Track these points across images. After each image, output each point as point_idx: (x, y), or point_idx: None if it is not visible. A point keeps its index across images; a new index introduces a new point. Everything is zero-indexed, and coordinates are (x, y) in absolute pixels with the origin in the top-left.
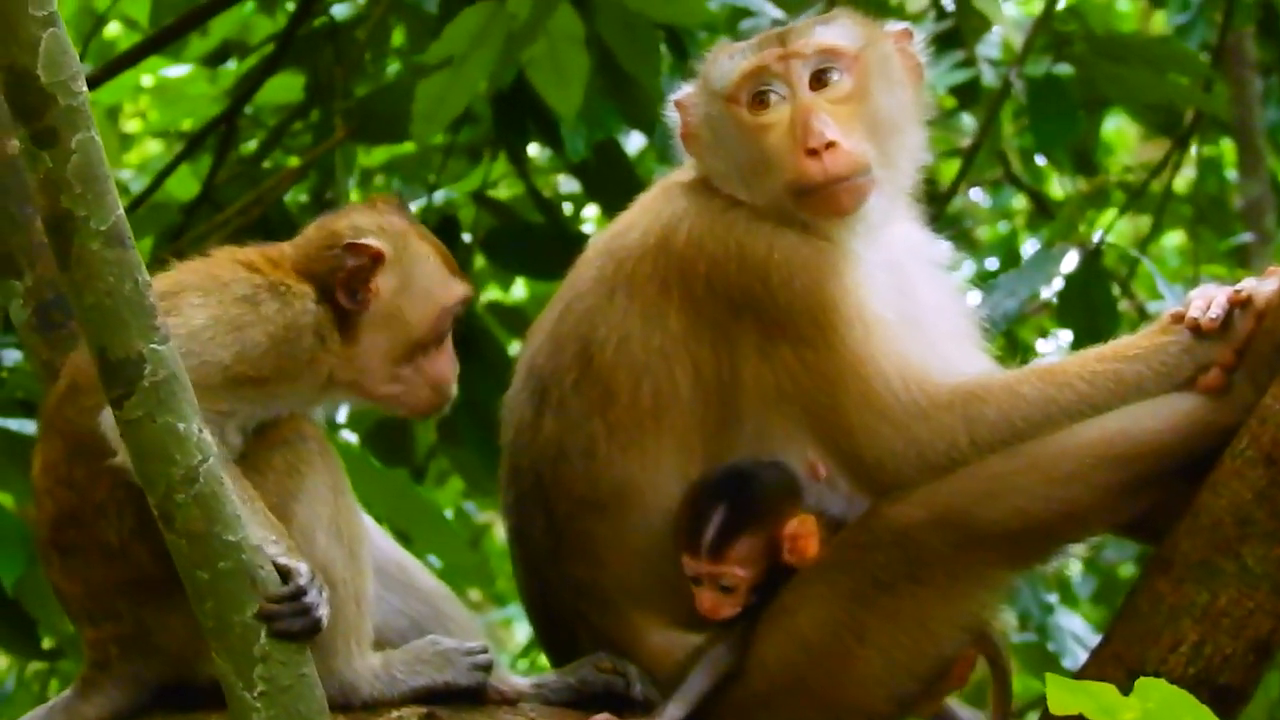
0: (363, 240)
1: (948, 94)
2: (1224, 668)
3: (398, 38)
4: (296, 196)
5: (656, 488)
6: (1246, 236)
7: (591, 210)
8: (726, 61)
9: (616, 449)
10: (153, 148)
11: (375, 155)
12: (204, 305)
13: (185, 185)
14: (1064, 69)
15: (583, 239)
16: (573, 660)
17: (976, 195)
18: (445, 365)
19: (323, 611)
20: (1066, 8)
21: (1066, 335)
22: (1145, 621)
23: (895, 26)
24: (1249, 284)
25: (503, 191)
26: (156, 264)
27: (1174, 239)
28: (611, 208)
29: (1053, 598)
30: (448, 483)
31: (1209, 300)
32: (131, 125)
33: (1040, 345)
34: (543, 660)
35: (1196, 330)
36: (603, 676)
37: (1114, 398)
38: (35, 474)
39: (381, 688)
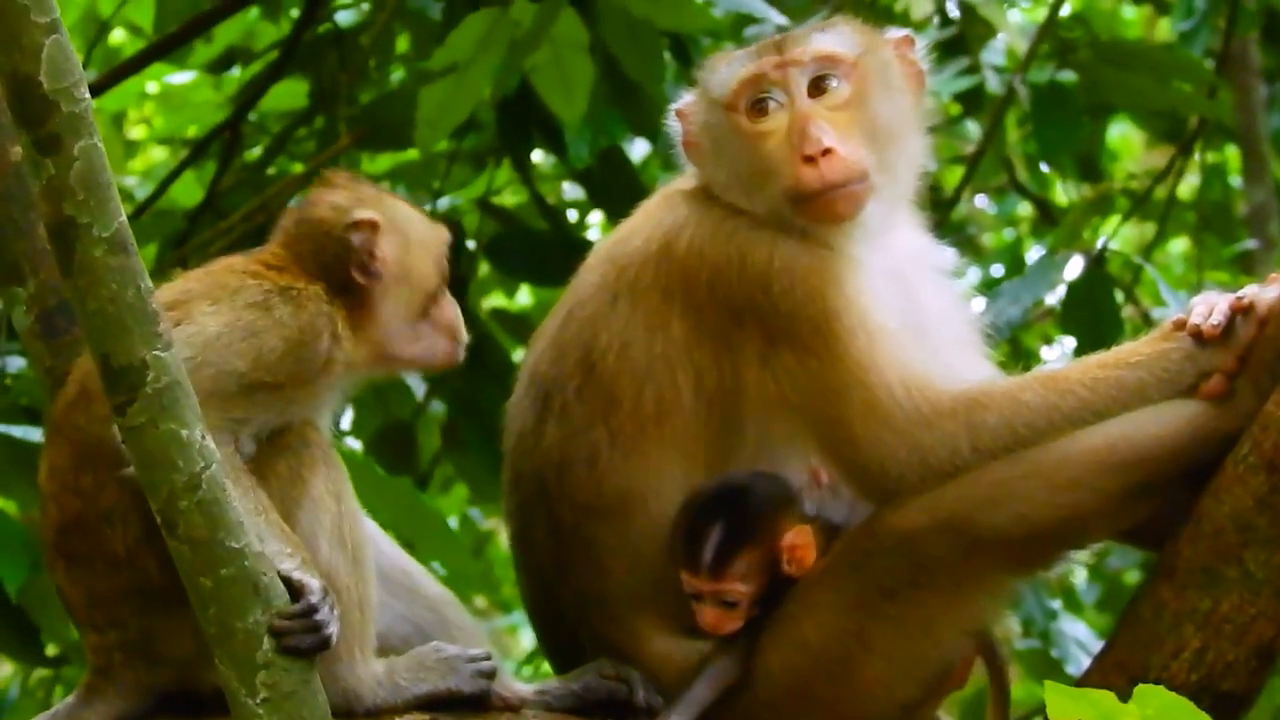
0: (356, 215)
1: (952, 101)
2: (1226, 674)
3: (402, 44)
4: None
5: (659, 494)
6: (1251, 243)
7: (596, 217)
8: (725, 69)
9: (619, 455)
10: (157, 154)
11: (379, 162)
12: (216, 313)
13: (189, 192)
14: (1068, 76)
15: (587, 246)
16: (576, 667)
17: (981, 202)
18: (452, 311)
19: (333, 629)
20: (1071, 14)
21: (1070, 342)
22: (1148, 628)
23: (895, 33)
24: (1251, 290)
25: (507, 198)
26: (161, 271)
27: (1178, 246)
28: (616, 214)
29: (1056, 604)
30: (452, 489)
31: (1211, 307)
32: (136, 132)
33: (1044, 352)
34: (547, 667)
35: (1198, 337)
36: (606, 683)
37: (1116, 404)
38: (41, 479)
39: (385, 695)
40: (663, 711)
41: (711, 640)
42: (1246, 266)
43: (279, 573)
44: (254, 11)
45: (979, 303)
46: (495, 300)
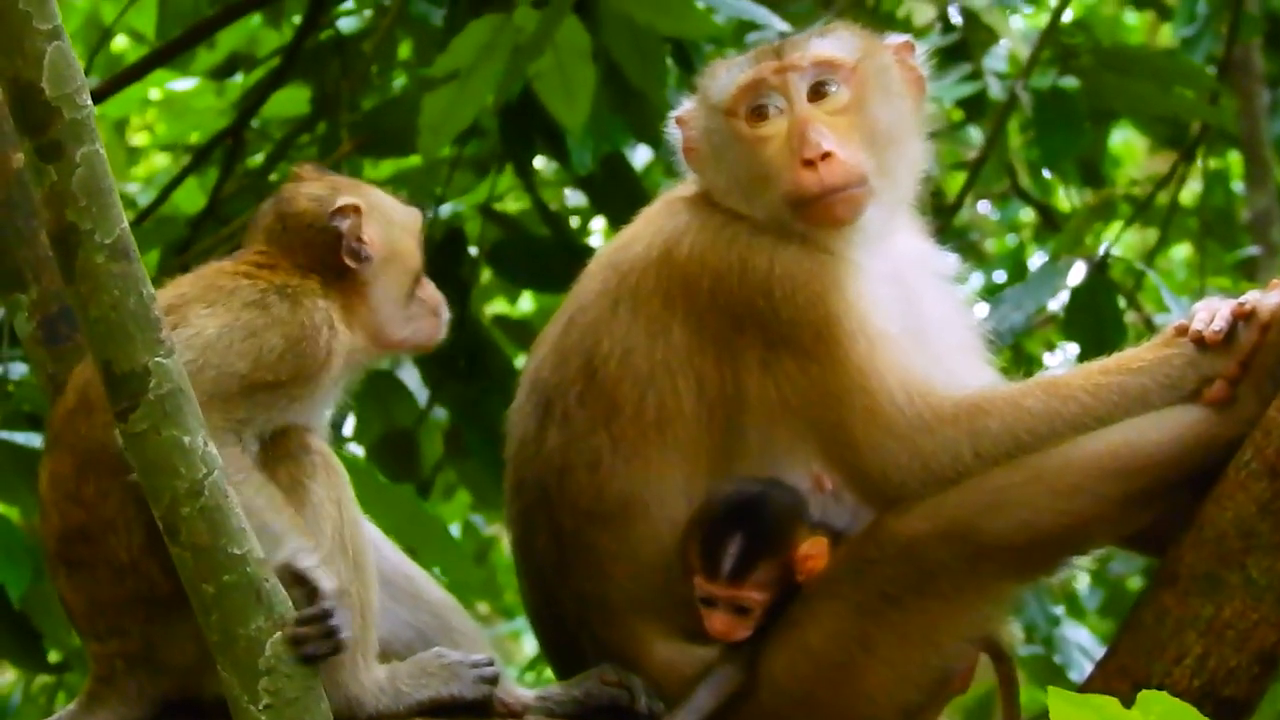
0: (339, 202)
1: (954, 107)
2: (1229, 680)
3: (404, 51)
4: None
5: (661, 500)
6: (1253, 249)
7: (598, 223)
8: (724, 75)
9: (620, 461)
10: (160, 161)
11: (382, 168)
12: (213, 315)
13: (192, 198)
14: (1070, 81)
15: (589, 252)
16: (578, 673)
17: (984, 208)
18: (433, 290)
19: (346, 633)
20: (1073, 20)
21: (1073, 348)
22: (1150, 634)
23: (895, 39)
24: (1253, 296)
25: (509, 205)
26: (164, 277)
27: (1181, 251)
28: (618, 221)
29: (1059, 610)
30: (454, 496)
31: (1213, 312)
32: (139, 139)
33: (1047, 358)
34: (550, 673)
35: (1200, 343)
36: (608, 689)
37: (1118, 410)
38: (42, 488)
39: (387, 701)
40: (665, 717)
41: (715, 646)
42: (1249, 272)
43: (301, 570)
44: (256, 18)
45: (981, 308)
46: (497, 307)
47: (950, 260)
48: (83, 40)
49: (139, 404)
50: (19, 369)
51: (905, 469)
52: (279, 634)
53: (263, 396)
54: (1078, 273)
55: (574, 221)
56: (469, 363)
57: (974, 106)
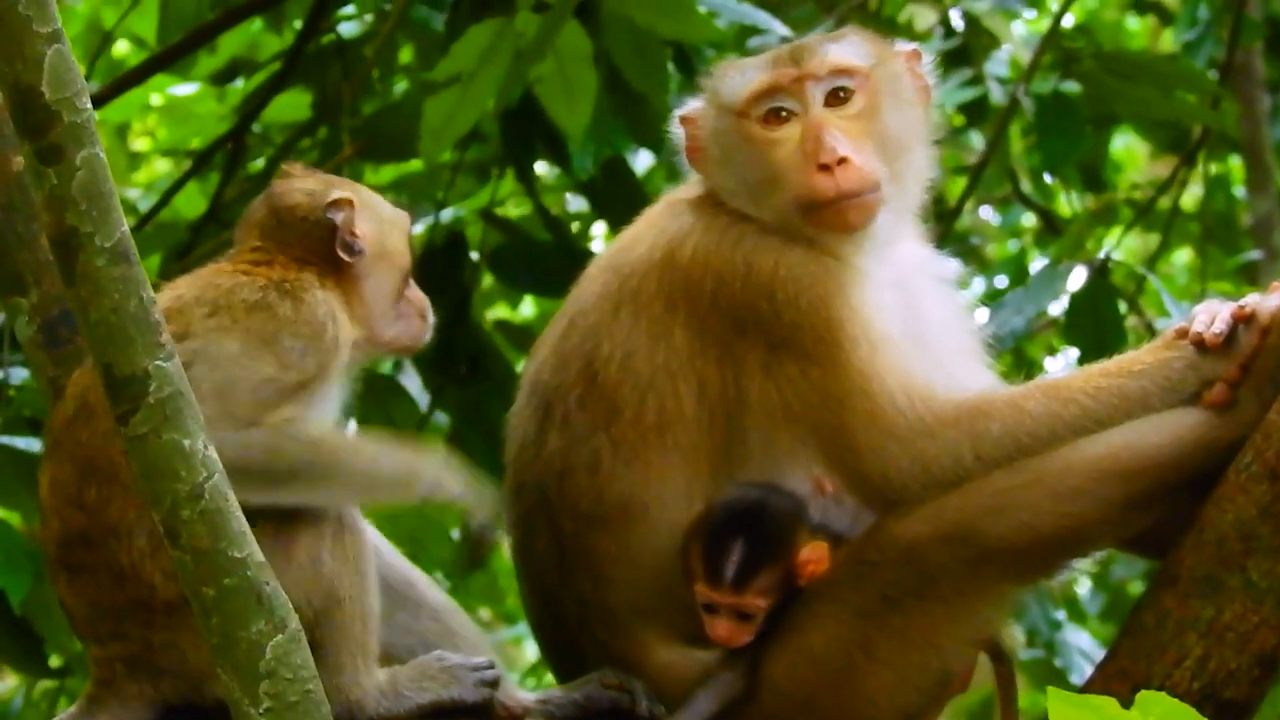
0: (333, 195)
1: (956, 111)
2: (1229, 682)
3: (405, 55)
4: None
5: (661, 503)
6: (1255, 254)
7: (599, 228)
8: (738, 77)
9: (621, 464)
10: (161, 167)
11: (383, 173)
12: (221, 327)
13: (193, 203)
14: (1072, 86)
15: (590, 257)
16: (579, 676)
17: (985, 213)
18: (420, 292)
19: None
20: (1075, 25)
21: (1074, 353)
22: (1151, 637)
23: (905, 47)
24: (1253, 299)
25: (510, 209)
26: (164, 282)
27: (1182, 256)
28: (619, 226)
29: (1061, 614)
30: None
31: (1213, 315)
32: (140, 144)
33: (1048, 363)
34: (551, 678)
35: (1200, 345)
36: (608, 693)
37: (1118, 413)
38: (42, 493)
39: (388, 704)
40: None
41: (716, 650)
42: (1250, 277)
43: (450, 498)
44: (257, 23)
45: (982, 313)
46: (499, 312)
47: (951, 265)
48: (84, 45)
49: (139, 407)
50: (19, 373)
51: (906, 472)
52: None
53: (301, 395)
54: (1079, 277)
55: (575, 226)
56: (470, 367)
57: (975, 111)
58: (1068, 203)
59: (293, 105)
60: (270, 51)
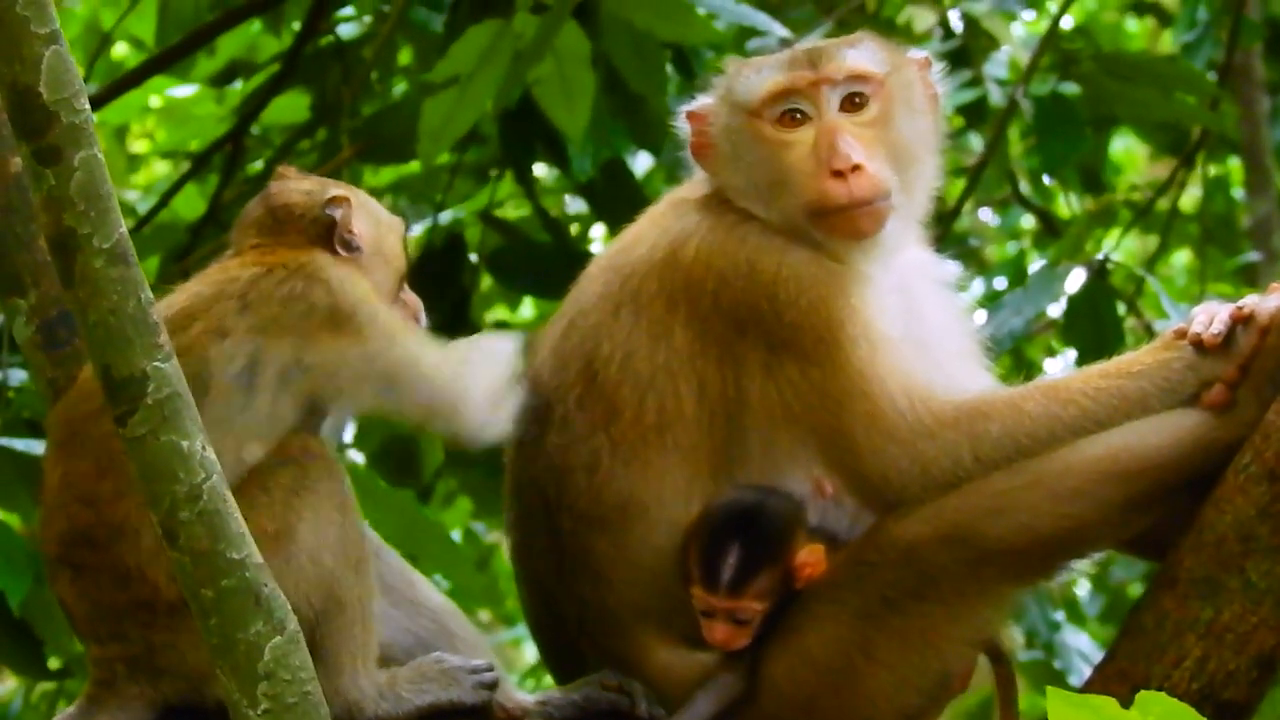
0: (331, 193)
1: (955, 113)
2: (1228, 683)
3: (404, 57)
4: None
5: (661, 503)
6: (1253, 255)
7: (599, 230)
8: (754, 76)
9: (620, 464)
10: (160, 169)
11: (382, 175)
12: (245, 315)
13: (192, 205)
14: (1071, 88)
15: (589, 259)
16: (578, 678)
17: (984, 214)
18: (413, 295)
19: None
20: (1074, 27)
21: (1073, 354)
22: (1150, 637)
23: (917, 54)
24: (1251, 300)
25: (509, 211)
26: (164, 284)
27: (1181, 258)
28: (618, 227)
29: (1060, 615)
30: (455, 503)
31: (1212, 316)
32: (139, 146)
33: (1047, 364)
34: (550, 680)
35: (1199, 346)
36: (608, 694)
37: (1117, 414)
38: (51, 488)
39: (387, 706)
40: None
41: (715, 651)
42: (1250, 278)
43: None
44: (256, 24)
45: (981, 315)
46: (498, 313)
47: (951, 268)
48: (82, 46)
49: (137, 408)
50: (18, 375)
51: (906, 473)
52: None
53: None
54: (1077, 279)
55: (574, 228)
56: None
57: (974, 113)
58: (1067, 204)
59: (291, 107)
60: (269, 53)
